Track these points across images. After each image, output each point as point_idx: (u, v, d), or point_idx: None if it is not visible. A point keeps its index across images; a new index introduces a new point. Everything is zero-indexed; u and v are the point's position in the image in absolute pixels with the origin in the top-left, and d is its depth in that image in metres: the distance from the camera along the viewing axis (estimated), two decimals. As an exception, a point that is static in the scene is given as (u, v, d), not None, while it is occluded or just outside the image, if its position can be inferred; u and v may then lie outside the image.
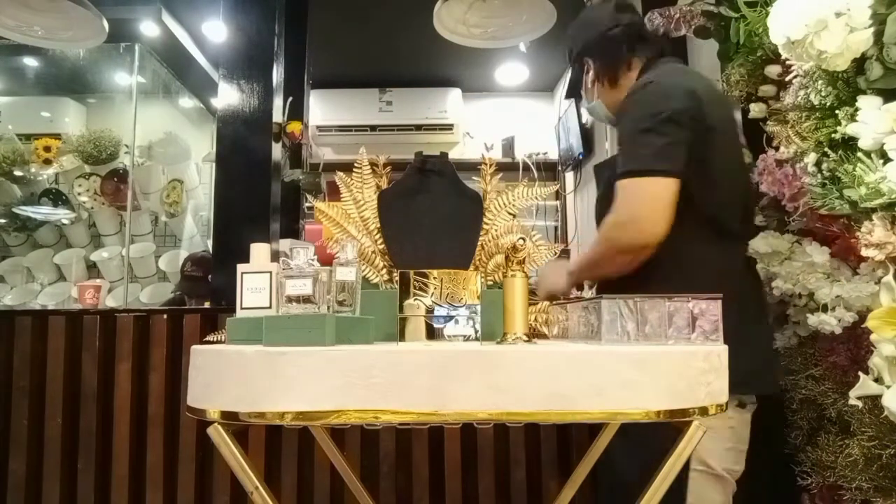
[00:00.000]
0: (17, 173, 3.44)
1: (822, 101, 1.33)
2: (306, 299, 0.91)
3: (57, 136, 3.48)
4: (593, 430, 1.32)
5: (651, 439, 1.02)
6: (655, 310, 0.92)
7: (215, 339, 1.17)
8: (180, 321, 1.99)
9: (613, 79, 1.53)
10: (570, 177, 4.62)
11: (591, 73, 1.55)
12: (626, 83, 1.51)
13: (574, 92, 1.71)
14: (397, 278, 1.04)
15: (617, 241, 1.33)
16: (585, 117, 4.12)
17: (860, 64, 1.26)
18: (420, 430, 1.92)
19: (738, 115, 1.55)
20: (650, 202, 1.29)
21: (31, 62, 3.87)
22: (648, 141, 1.31)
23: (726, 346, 0.90)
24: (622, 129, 1.40)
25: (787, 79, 1.45)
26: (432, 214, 1.18)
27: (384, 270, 1.19)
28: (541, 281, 1.49)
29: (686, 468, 1.27)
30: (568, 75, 4.32)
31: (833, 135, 1.31)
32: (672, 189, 1.28)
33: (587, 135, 4.10)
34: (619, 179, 1.33)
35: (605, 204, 1.39)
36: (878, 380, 1.20)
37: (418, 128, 4.79)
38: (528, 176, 4.69)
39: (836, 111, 1.31)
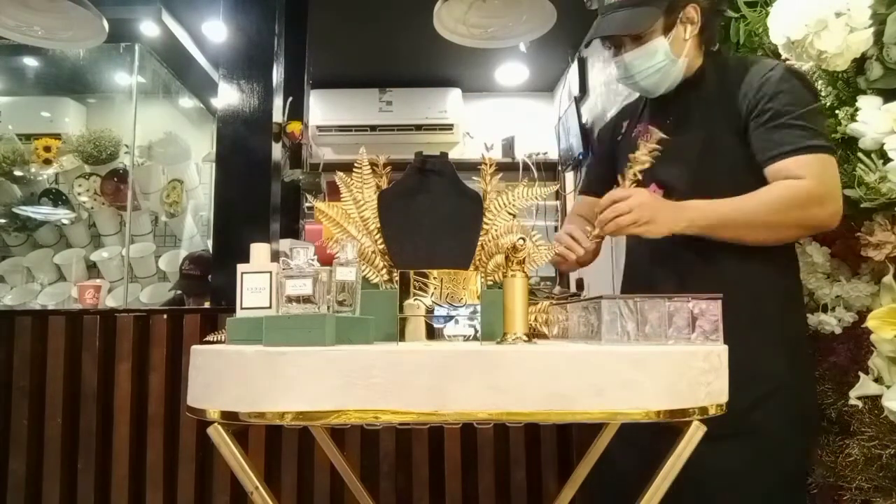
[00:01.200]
0: (17, 173, 3.44)
1: (823, 101, 1.33)
2: (306, 299, 0.91)
3: (57, 136, 3.48)
4: (593, 430, 1.31)
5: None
6: (655, 310, 0.91)
7: (215, 339, 1.17)
8: (180, 321, 1.99)
9: (702, 45, 1.38)
10: (570, 177, 4.62)
11: (692, 27, 1.34)
12: (700, 55, 1.39)
13: (613, 34, 1.36)
14: (397, 278, 1.04)
15: (809, 211, 1.22)
16: (586, 117, 4.12)
17: (860, 64, 1.26)
18: (420, 430, 1.92)
19: None
20: (839, 185, 1.23)
21: (31, 62, 3.87)
22: (823, 122, 1.27)
23: (726, 346, 0.90)
24: (782, 106, 1.26)
25: (788, 79, 1.45)
26: (432, 214, 1.18)
27: (384, 270, 1.19)
28: (650, 222, 1.24)
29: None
30: (569, 72, 4.31)
31: (833, 135, 1.31)
32: None
33: (587, 135, 4.10)
34: (802, 154, 1.23)
35: (704, 175, 1.32)
36: (878, 380, 1.20)
37: (418, 128, 4.79)
38: (528, 176, 4.69)
39: (836, 111, 1.31)
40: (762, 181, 1.26)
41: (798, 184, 1.21)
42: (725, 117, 1.33)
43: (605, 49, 1.43)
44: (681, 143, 1.35)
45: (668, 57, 1.34)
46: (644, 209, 1.23)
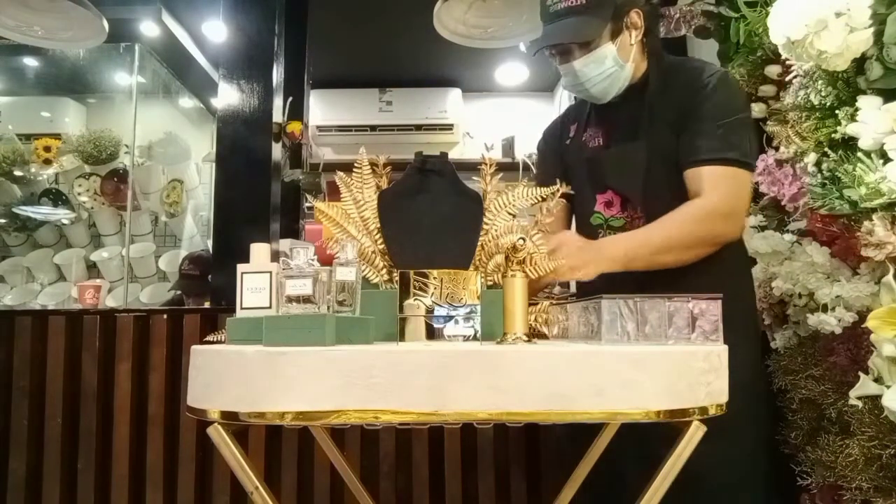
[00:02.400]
0: (17, 173, 3.44)
1: (822, 101, 1.33)
2: (306, 299, 0.91)
3: (57, 136, 3.49)
4: (593, 430, 1.31)
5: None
6: (655, 310, 0.91)
7: (215, 339, 1.17)
8: (180, 321, 1.99)
9: (655, 52, 1.41)
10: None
11: (638, 31, 1.38)
12: (644, 60, 1.42)
13: (560, 46, 1.38)
14: (397, 278, 1.04)
15: (713, 231, 1.26)
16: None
17: (860, 64, 1.26)
18: (420, 430, 1.92)
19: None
20: (747, 198, 1.27)
21: (31, 62, 3.87)
22: (745, 134, 1.29)
23: (726, 346, 0.90)
24: (711, 112, 1.30)
25: (787, 79, 1.45)
26: (432, 214, 1.18)
27: (384, 270, 1.19)
28: (594, 252, 1.28)
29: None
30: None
31: (833, 135, 1.31)
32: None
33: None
34: (716, 164, 1.26)
35: (655, 180, 1.35)
36: (878, 380, 1.20)
37: (418, 128, 4.79)
38: (528, 176, 4.69)
39: (836, 111, 1.31)
40: None
41: (701, 203, 1.26)
42: (668, 122, 1.36)
43: (549, 57, 1.42)
44: (629, 149, 1.39)
45: (616, 63, 1.36)
46: (573, 258, 1.24)
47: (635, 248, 1.28)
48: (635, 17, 1.37)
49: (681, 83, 1.36)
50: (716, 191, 1.26)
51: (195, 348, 0.90)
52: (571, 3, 1.33)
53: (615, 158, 1.41)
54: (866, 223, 1.26)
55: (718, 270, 1.32)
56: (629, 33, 1.37)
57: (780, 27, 1.26)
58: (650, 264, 1.28)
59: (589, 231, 1.46)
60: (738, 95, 1.34)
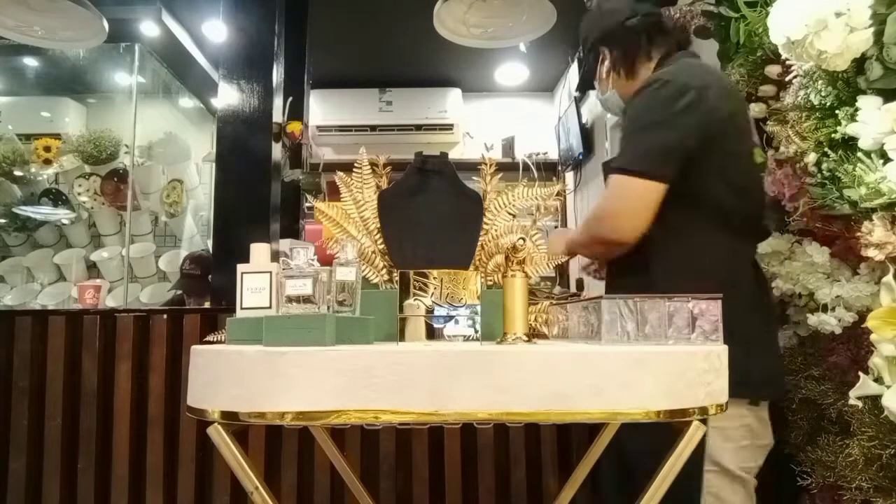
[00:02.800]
0: (17, 173, 3.44)
1: (822, 101, 1.33)
2: (306, 299, 0.91)
3: (57, 136, 3.49)
4: (593, 430, 1.31)
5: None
6: (655, 310, 0.91)
7: (215, 339, 1.17)
8: (180, 321, 1.99)
9: (631, 70, 1.50)
10: (570, 177, 4.62)
11: (607, 62, 1.52)
12: (644, 74, 1.48)
13: (587, 85, 1.72)
14: (397, 278, 1.04)
15: (594, 233, 1.39)
16: (586, 117, 4.12)
17: (860, 64, 1.26)
18: (420, 430, 1.92)
19: (750, 112, 1.54)
20: (631, 202, 1.32)
21: (31, 62, 3.87)
22: (645, 141, 1.32)
23: (726, 347, 0.90)
24: (625, 124, 1.40)
25: (787, 79, 1.45)
26: (432, 214, 1.18)
27: (384, 270, 1.19)
28: (549, 244, 1.45)
29: (700, 470, 1.26)
30: (569, 72, 4.33)
31: (833, 135, 1.31)
32: (657, 193, 1.29)
33: (587, 135, 4.10)
34: (612, 174, 1.36)
35: None
36: (878, 380, 1.20)
37: (418, 128, 4.79)
38: (528, 176, 4.69)
39: (836, 111, 1.31)
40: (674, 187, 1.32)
41: (592, 209, 1.44)
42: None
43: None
44: (610, 162, 1.62)
45: (599, 93, 1.61)
46: (550, 245, 1.42)
47: (570, 241, 1.47)
48: (602, 50, 1.54)
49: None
50: (603, 198, 1.39)
51: (195, 348, 0.90)
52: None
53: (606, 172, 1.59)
54: (866, 223, 1.26)
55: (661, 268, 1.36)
56: (602, 67, 1.55)
57: (780, 27, 1.26)
58: (580, 254, 1.50)
59: None
60: (656, 100, 1.34)
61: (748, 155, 1.43)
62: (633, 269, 1.37)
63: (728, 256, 1.34)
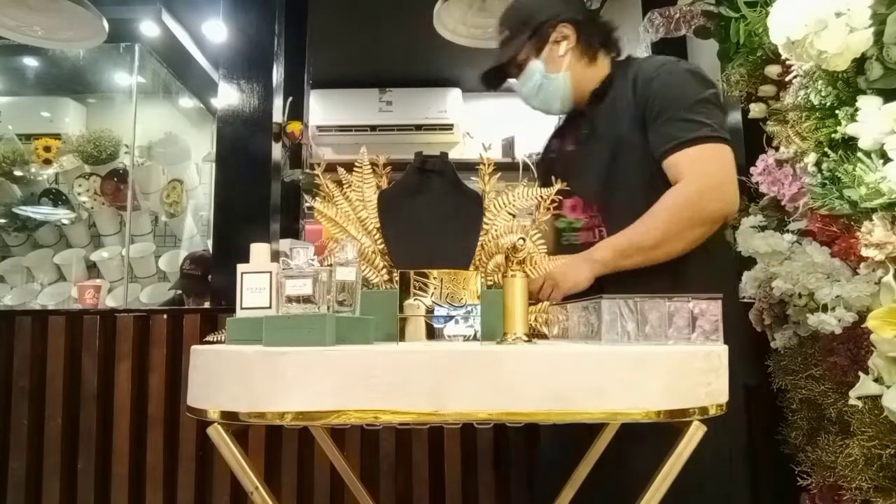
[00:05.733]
0: (17, 173, 3.44)
1: (822, 101, 1.33)
2: (306, 299, 0.91)
3: (57, 136, 3.48)
4: (593, 430, 1.31)
5: None
6: (655, 310, 0.91)
7: (215, 339, 1.17)
8: (180, 321, 1.99)
9: (594, 56, 1.46)
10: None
11: (568, 43, 1.45)
12: (601, 66, 1.47)
13: (501, 73, 1.52)
14: (397, 278, 1.04)
15: (702, 210, 1.28)
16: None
17: (860, 64, 1.26)
18: (420, 430, 1.92)
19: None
20: (731, 169, 1.28)
21: (31, 62, 3.87)
22: (712, 112, 1.31)
23: (726, 347, 0.90)
24: (667, 101, 1.34)
25: (787, 79, 1.45)
26: (432, 214, 1.18)
27: (384, 270, 1.19)
28: (560, 283, 1.30)
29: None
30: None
31: (833, 135, 1.31)
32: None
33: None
34: (688, 147, 1.28)
35: (612, 181, 1.38)
36: (878, 380, 1.20)
37: (418, 128, 4.79)
38: (528, 176, 4.69)
39: (836, 111, 1.31)
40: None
41: (681, 186, 1.29)
42: (632, 118, 1.39)
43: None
44: (590, 151, 1.45)
45: (543, 76, 1.46)
46: (550, 279, 1.27)
47: (622, 246, 1.31)
48: (563, 29, 1.44)
49: (636, 81, 1.39)
50: (694, 171, 1.28)
51: (195, 348, 0.90)
52: (500, 39, 1.50)
53: (576, 162, 1.46)
54: (866, 223, 1.26)
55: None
56: (557, 46, 1.44)
57: (780, 27, 1.26)
58: (646, 260, 1.30)
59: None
60: (693, 78, 1.36)
61: None
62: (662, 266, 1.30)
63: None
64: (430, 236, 1.16)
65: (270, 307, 1.03)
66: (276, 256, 2.11)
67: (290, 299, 0.91)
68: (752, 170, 1.60)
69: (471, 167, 1.35)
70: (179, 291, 3.02)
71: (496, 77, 1.53)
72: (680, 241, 1.29)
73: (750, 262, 1.62)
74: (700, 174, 1.28)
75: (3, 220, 3.47)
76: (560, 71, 1.45)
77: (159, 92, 4.05)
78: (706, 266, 1.34)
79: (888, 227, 1.21)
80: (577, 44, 1.45)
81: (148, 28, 3.65)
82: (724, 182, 1.28)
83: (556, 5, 1.48)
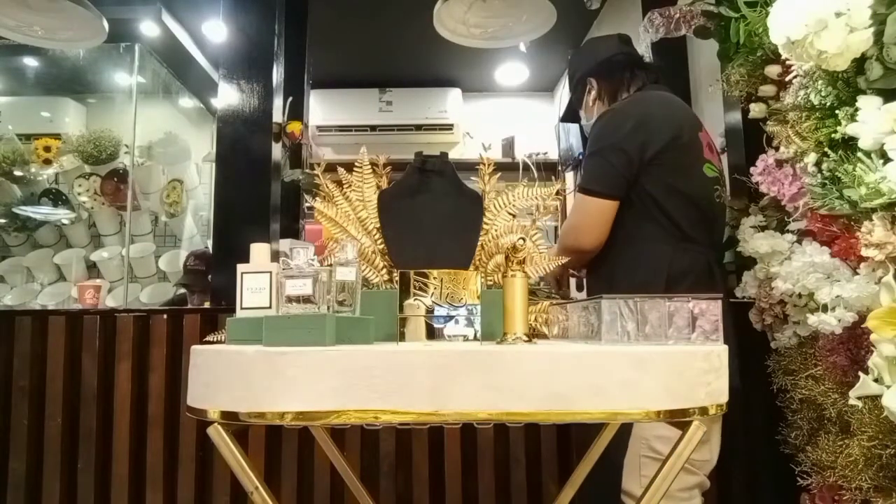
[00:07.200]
0: (17, 173, 3.44)
1: (822, 101, 1.33)
2: (306, 299, 0.91)
3: (57, 136, 3.48)
4: (593, 430, 1.31)
5: None
6: (655, 310, 0.91)
7: (215, 339, 1.17)
8: (180, 321, 1.99)
9: (614, 100, 1.71)
10: (570, 177, 4.62)
11: (594, 93, 1.75)
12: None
13: (571, 116, 1.93)
14: (397, 278, 1.04)
15: (562, 243, 1.61)
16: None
17: (860, 64, 1.26)
18: (420, 430, 1.92)
19: (703, 135, 1.66)
20: (588, 217, 1.56)
21: (31, 62, 3.87)
22: (595, 164, 1.56)
23: (726, 347, 0.90)
24: (590, 141, 1.62)
25: (787, 79, 1.45)
26: (432, 214, 1.18)
27: (384, 270, 1.19)
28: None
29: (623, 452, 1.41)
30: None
31: (833, 135, 1.31)
32: (610, 208, 1.52)
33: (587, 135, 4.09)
34: (578, 192, 1.60)
35: None
36: (878, 380, 1.20)
37: (418, 128, 4.79)
38: (528, 176, 4.69)
39: (836, 111, 1.31)
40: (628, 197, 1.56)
41: (564, 223, 1.65)
42: None
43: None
44: None
45: (589, 119, 1.80)
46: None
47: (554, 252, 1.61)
48: (589, 85, 1.77)
49: None
50: (569, 214, 1.62)
51: (195, 348, 0.90)
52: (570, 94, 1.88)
53: None
54: (866, 223, 1.26)
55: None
56: (588, 97, 1.77)
57: (780, 27, 1.26)
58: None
59: None
60: (606, 129, 1.58)
61: (695, 170, 1.58)
62: (596, 266, 1.62)
63: (677, 256, 1.51)
64: (430, 236, 1.16)
65: (270, 307, 1.03)
66: (276, 256, 2.11)
67: (290, 299, 0.91)
68: (752, 170, 1.60)
69: (471, 167, 1.35)
70: (182, 290, 3.02)
71: (572, 118, 1.95)
72: (566, 259, 1.54)
73: (750, 262, 1.62)
74: (568, 217, 1.62)
75: (3, 220, 3.47)
76: (594, 117, 1.74)
77: (159, 92, 4.05)
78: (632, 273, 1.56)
79: (888, 227, 1.21)
80: (599, 94, 1.75)
81: (148, 28, 3.65)
82: (577, 227, 1.58)
83: (583, 61, 1.80)
